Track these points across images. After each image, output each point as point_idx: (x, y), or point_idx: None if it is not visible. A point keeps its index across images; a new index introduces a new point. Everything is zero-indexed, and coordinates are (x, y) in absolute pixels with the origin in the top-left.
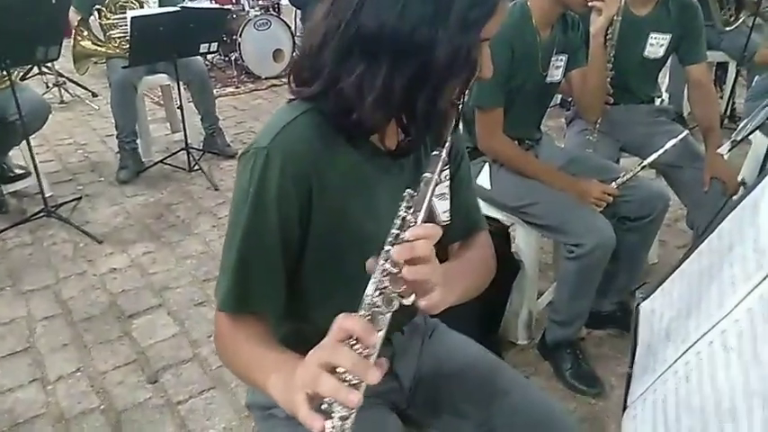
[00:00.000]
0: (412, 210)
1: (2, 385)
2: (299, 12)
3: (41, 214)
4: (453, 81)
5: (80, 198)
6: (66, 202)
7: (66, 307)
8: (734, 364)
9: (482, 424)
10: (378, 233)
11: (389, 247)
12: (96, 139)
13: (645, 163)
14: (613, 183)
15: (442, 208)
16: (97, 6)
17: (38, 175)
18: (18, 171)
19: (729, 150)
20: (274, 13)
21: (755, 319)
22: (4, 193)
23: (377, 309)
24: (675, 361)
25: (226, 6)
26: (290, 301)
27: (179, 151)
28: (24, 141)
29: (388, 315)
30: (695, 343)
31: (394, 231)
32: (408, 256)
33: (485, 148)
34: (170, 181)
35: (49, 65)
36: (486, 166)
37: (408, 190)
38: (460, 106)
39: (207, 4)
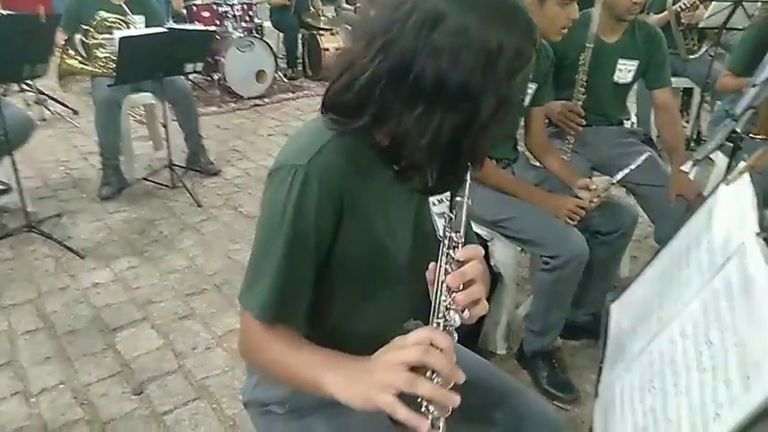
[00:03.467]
0: (453, 229)
1: None
2: (281, 34)
3: (23, 229)
4: (496, 124)
5: (61, 214)
6: (47, 218)
7: (49, 321)
8: (690, 349)
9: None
10: (395, 250)
11: (447, 266)
12: (78, 156)
13: (614, 180)
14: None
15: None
16: (84, 26)
17: (20, 191)
18: None
19: (692, 168)
20: (257, 35)
21: (707, 308)
22: None
23: (447, 322)
24: (641, 351)
25: (210, 28)
26: (317, 311)
27: (162, 168)
28: (7, 157)
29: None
30: (658, 334)
31: (445, 250)
32: (461, 282)
33: None
34: (153, 198)
35: (30, 82)
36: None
37: (447, 212)
38: None
39: (193, 26)
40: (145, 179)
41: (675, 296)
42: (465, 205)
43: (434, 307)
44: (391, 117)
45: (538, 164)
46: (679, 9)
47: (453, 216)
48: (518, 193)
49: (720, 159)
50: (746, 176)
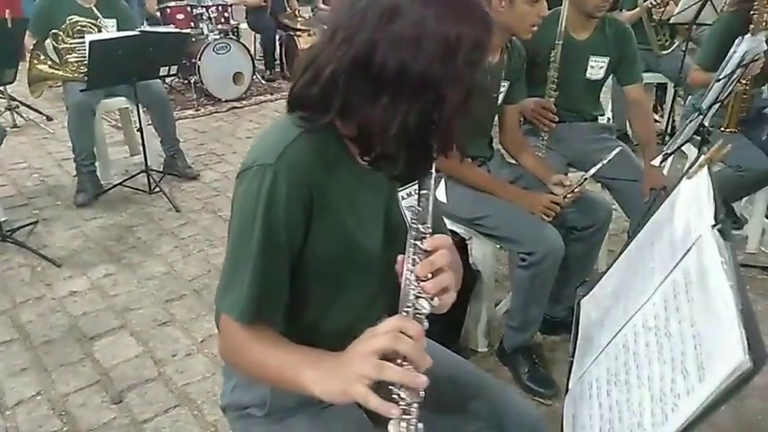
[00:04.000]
0: (420, 221)
1: None
2: (258, 36)
3: None
4: (463, 114)
5: (36, 222)
6: (22, 227)
7: (25, 331)
8: (652, 341)
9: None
10: (368, 245)
11: (415, 257)
12: (52, 162)
13: (587, 175)
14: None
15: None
16: (53, 30)
17: None
18: None
19: (662, 162)
20: (234, 37)
21: (668, 300)
22: None
23: (417, 310)
24: (607, 344)
25: (184, 30)
26: (293, 310)
27: (139, 173)
28: None
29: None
30: (623, 327)
31: (412, 241)
32: (429, 271)
33: (438, 165)
34: (130, 203)
35: (1, 88)
36: (443, 182)
37: (415, 206)
38: None
39: (166, 29)
40: (121, 185)
41: (640, 289)
42: (431, 197)
43: (403, 296)
44: (357, 109)
45: (513, 161)
46: (650, 5)
47: (421, 208)
48: (494, 191)
49: (692, 152)
50: (705, 169)
